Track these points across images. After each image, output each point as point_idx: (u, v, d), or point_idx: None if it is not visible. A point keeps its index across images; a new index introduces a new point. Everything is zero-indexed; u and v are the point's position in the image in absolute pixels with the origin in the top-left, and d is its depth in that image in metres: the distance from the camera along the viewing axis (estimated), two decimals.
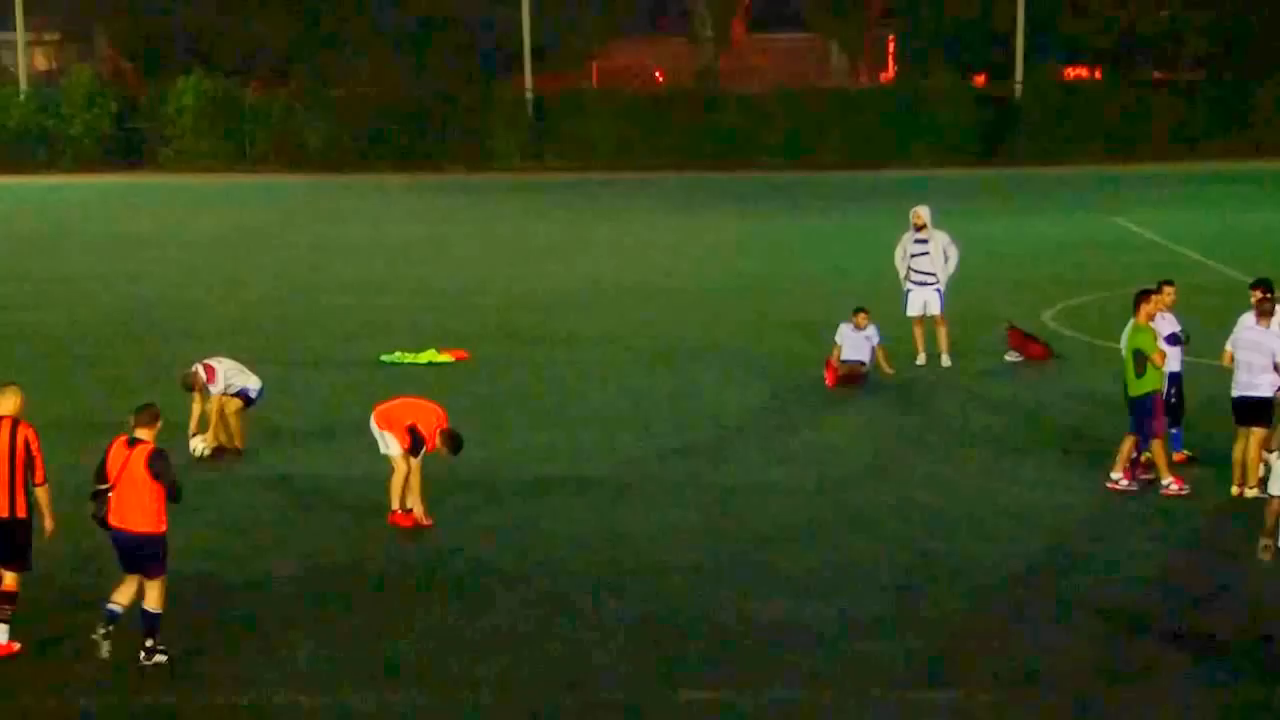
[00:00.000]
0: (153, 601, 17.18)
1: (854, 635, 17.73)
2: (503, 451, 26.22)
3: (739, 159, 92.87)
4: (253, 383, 26.33)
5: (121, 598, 17.33)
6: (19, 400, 17.83)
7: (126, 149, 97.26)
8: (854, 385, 30.57)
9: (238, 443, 25.96)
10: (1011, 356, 32.98)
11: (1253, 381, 22.49)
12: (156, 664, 17.08)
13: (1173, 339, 23.82)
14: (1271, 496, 17.50)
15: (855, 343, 30.83)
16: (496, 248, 55.91)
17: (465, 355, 34.40)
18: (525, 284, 46.23)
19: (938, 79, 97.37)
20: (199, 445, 25.67)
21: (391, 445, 21.81)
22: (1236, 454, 22.58)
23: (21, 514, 17.53)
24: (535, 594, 19.32)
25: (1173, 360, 23.84)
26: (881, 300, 33.22)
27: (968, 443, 26.54)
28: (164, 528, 17.26)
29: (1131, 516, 22.16)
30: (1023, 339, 33.35)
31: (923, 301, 32.38)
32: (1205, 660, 17.04)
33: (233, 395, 26.01)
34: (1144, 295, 23.39)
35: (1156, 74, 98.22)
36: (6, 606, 17.60)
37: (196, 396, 26.10)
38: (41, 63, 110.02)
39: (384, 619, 18.61)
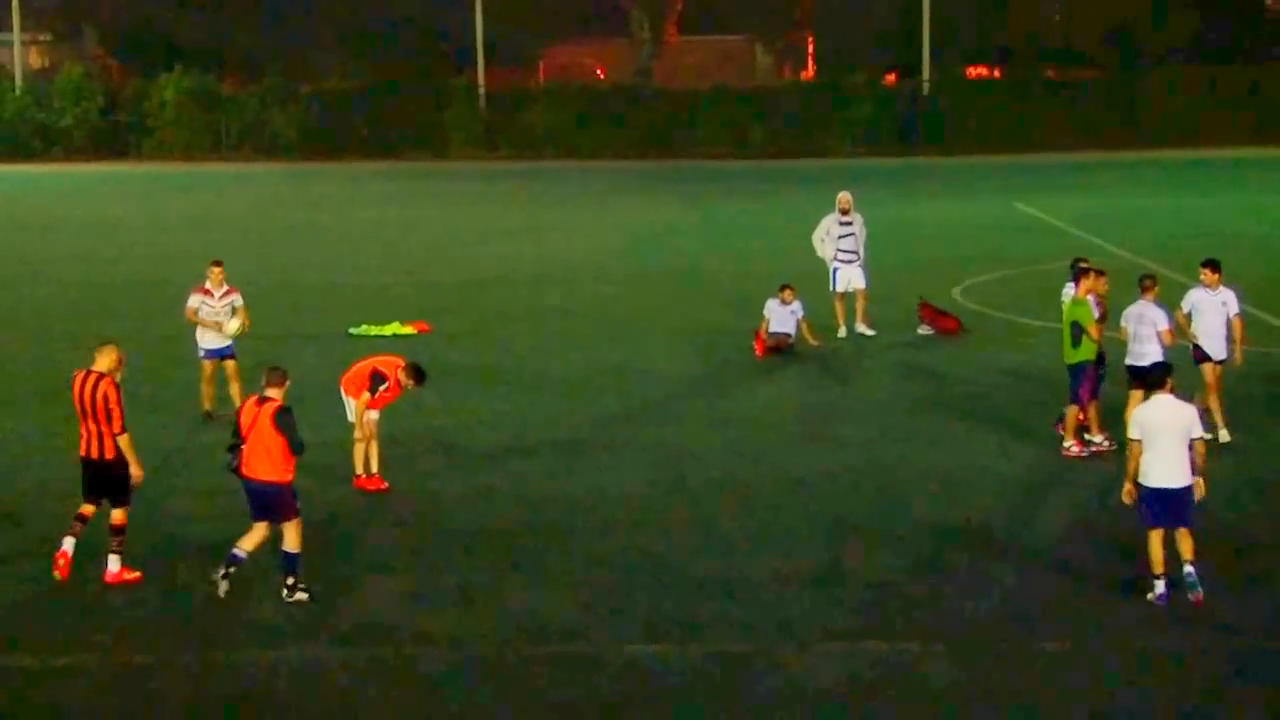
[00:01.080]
0: (290, 543, 17.31)
1: (789, 590, 17.35)
2: (462, 419, 25.88)
3: (674, 149, 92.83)
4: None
5: (247, 544, 17.42)
6: (113, 359, 18.20)
7: (112, 140, 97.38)
8: (781, 355, 30.36)
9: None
10: (924, 329, 32.77)
11: (1142, 350, 22.26)
12: (298, 600, 17.20)
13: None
14: (1131, 441, 17.12)
15: (782, 317, 30.61)
16: (454, 230, 55.63)
17: (427, 328, 34.11)
18: (482, 263, 45.93)
19: (853, 77, 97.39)
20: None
21: (353, 409, 21.40)
22: (1128, 415, 22.25)
23: (109, 456, 17.90)
24: (491, 553, 18.88)
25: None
26: (805, 278, 32.94)
27: (888, 408, 26.27)
28: (290, 477, 17.38)
29: (1048, 476, 21.84)
30: (934, 313, 33.19)
31: (848, 278, 32.34)
32: (1126, 609, 16.67)
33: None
34: (1083, 272, 23.23)
35: (1050, 72, 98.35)
36: (116, 539, 17.92)
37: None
38: (35, 61, 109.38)
39: (347, 577, 18.13)
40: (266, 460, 17.24)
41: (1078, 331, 22.41)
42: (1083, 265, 23.80)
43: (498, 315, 36.44)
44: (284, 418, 17.27)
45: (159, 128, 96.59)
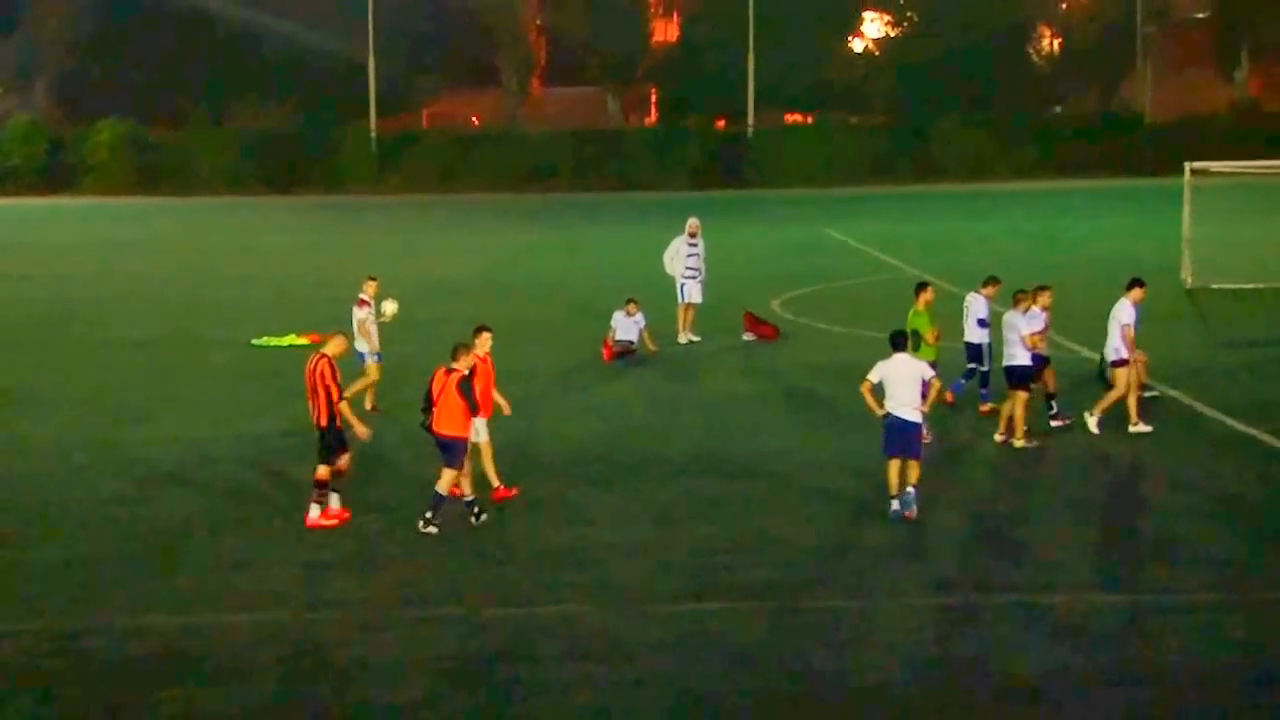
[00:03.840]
0: (441, 485, 17.96)
1: (627, 557, 17.00)
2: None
3: (538, 184, 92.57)
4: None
5: (441, 486, 17.98)
6: (340, 347, 18.86)
7: (56, 177, 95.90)
8: (626, 359, 30.11)
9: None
10: (748, 337, 32.65)
11: (1012, 353, 22.07)
12: (427, 533, 17.83)
13: (982, 323, 23.81)
14: (870, 382, 18.38)
15: (626, 326, 30.39)
16: (349, 253, 54.88)
17: (319, 338, 33.28)
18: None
19: (690, 122, 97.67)
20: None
21: (481, 431, 19.35)
22: (1004, 410, 22.20)
23: (323, 424, 18.37)
24: (380, 528, 18.36)
25: (984, 337, 23.84)
26: (647, 292, 32.72)
27: (722, 400, 26.02)
28: (468, 433, 18.11)
29: (855, 454, 21.63)
30: (756, 322, 33.11)
31: (691, 292, 32.33)
32: (906, 569, 16.51)
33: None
34: (922, 286, 23.02)
35: (854, 119, 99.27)
36: (319, 490, 18.44)
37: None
38: None
39: (260, 549, 17.55)
40: (450, 420, 17.96)
41: (917, 338, 22.21)
42: (922, 282, 23.56)
43: (384, 326, 35.74)
44: (466, 385, 17.97)
45: (96, 166, 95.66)
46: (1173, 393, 24.88)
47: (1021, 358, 21.91)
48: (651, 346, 30.61)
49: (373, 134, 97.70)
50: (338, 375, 18.45)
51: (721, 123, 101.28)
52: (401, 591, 16.08)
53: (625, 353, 30.32)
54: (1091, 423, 22.46)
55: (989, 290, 24.01)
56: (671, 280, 32.69)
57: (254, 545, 17.81)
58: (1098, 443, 22.04)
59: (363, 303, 25.57)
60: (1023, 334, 21.98)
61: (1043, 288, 23.04)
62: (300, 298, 41.39)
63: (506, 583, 16.31)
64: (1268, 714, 12.79)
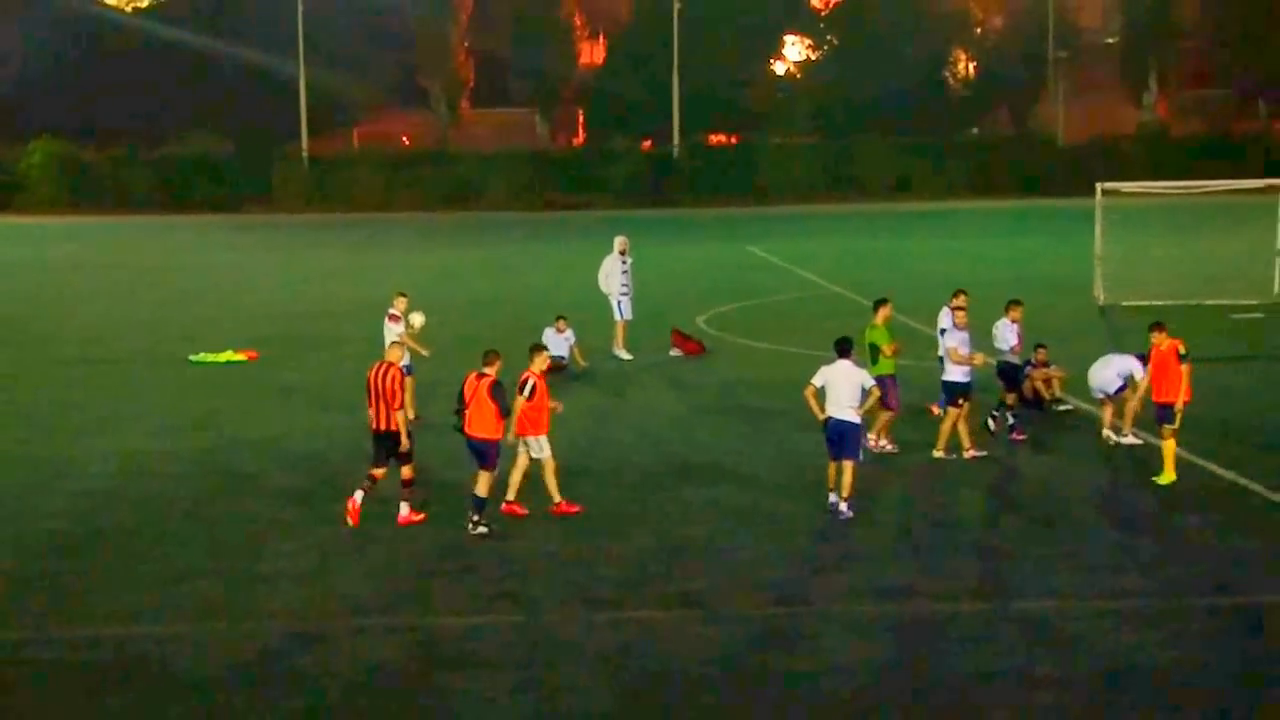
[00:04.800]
0: (480, 489, 18.37)
1: (561, 567, 17.14)
2: (283, 430, 25.26)
3: (468, 203, 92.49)
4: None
5: (480, 489, 18.40)
6: (399, 353, 19.90)
7: None
8: (557, 374, 30.19)
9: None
10: (675, 352, 32.84)
11: (950, 368, 22.26)
12: (479, 534, 18.24)
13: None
14: (812, 386, 19.11)
15: (556, 342, 30.45)
16: (282, 272, 54.75)
17: (255, 355, 33.33)
18: (305, 298, 45.26)
19: (616, 143, 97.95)
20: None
21: (545, 447, 19.29)
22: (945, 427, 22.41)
23: (392, 428, 18.71)
24: (313, 539, 18.39)
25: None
26: (577, 309, 32.85)
27: (652, 412, 26.19)
28: (499, 435, 18.50)
29: (788, 458, 21.88)
30: (682, 338, 33.30)
31: (625, 309, 32.48)
32: (838, 580, 16.76)
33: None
34: (881, 303, 22.95)
35: (776, 139, 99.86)
36: (407, 489, 18.96)
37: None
38: None
39: (202, 561, 17.51)
40: (481, 422, 18.39)
41: (875, 351, 22.37)
42: (881, 298, 23.27)
43: (319, 342, 35.83)
44: (497, 390, 18.38)
45: (30, 187, 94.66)
46: (1086, 406, 25.30)
47: (954, 374, 22.22)
48: (582, 362, 30.74)
49: (304, 154, 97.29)
50: (403, 384, 19.06)
51: (648, 143, 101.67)
52: (341, 602, 16.13)
53: (556, 368, 30.39)
54: (1127, 437, 22.89)
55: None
56: (605, 298, 32.84)
57: (197, 557, 17.79)
58: (1028, 458, 22.42)
59: (394, 317, 25.80)
60: (950, 347, 22.33)
61: (1014, 302, 23.58)
62: (236, 316, 41.20)
63: (443, 593, 16.42)
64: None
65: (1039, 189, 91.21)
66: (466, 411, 18.53)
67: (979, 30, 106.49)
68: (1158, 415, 20.86)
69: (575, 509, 19.27)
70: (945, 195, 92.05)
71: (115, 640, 15.04)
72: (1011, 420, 23.58)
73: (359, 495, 18.84)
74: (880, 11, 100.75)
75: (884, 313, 22.97)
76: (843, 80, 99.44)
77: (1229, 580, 16.44)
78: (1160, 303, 38.46)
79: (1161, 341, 20.89)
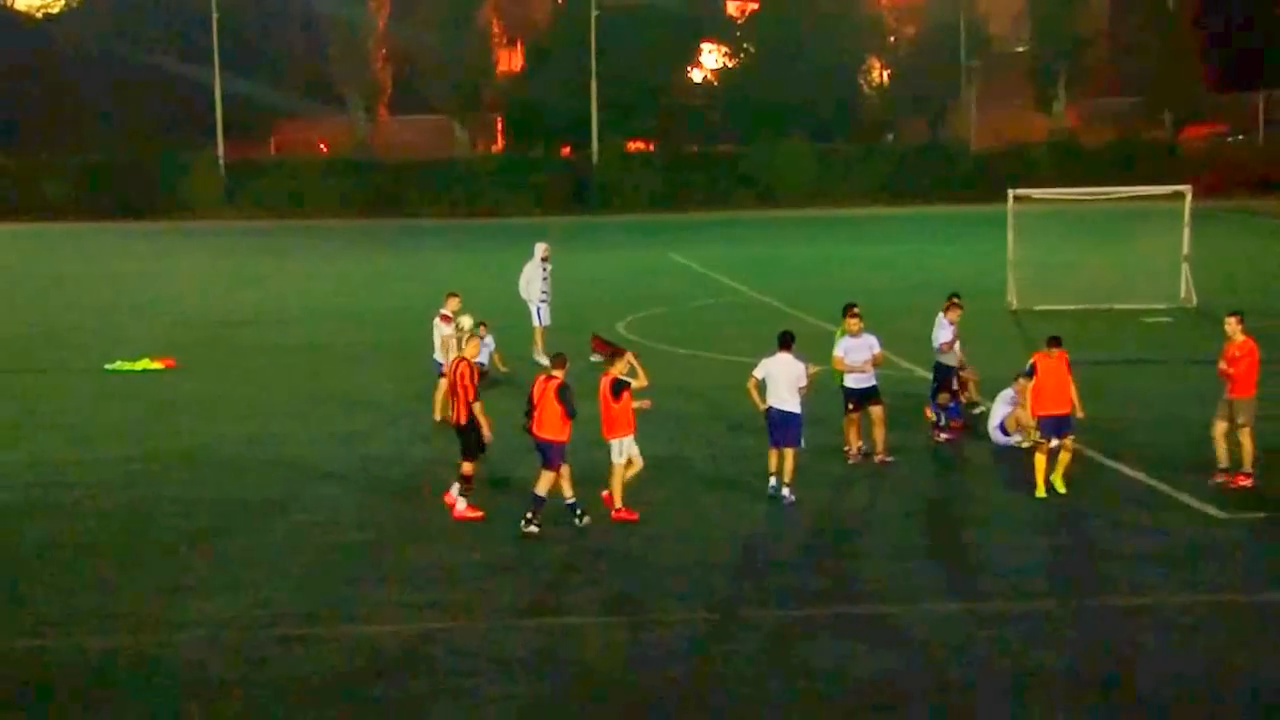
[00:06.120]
0: (540, 487, 18.77)
1: (489, 575, 17.07)
2: (208, 438, 25.01)
3: (387, 210, 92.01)
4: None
5: (540, 489, 18.78)
6: (476, 350, 20.21)
7: None
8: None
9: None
10: (595, 359, 32.72)
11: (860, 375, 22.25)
12: (528, 534, 18.51)
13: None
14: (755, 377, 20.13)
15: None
16: (198, 278, 54.16)
17: (173, 363, 32.95)
18: (223, 306, 44.81)
19: (535, 150, 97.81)
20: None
21: (627, 449, 19.54)
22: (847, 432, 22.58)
23: (463, 423, 19.44)
24: (236, 548, 18.22)
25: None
26: (497, 315, 32.73)
27: (575, 420, 26.03)
28: (565, 437, 18.88)
29: (712, 463, 21.91)
30: (603, 344, 33.23)
31: (544, 315, 32.54)
32: (765, 585, 16.81)
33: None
34: (850, 308, 22.69)
35: (694, 147, 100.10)
36: (468, 485, 19.58)
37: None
38: None
39: (118, 572, 17.29)
40: (549, 423, 18.78)
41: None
42: (850, 304, 22.92)
43: (238, 351, 35.49)
44: (564, 392, 18.80)
45: None
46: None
47: (868, 379, 22.26)
48: (502, 368, 30.64)
49: (220, 159, 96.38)
50: (476, 378, 19.59)
51: (566, 150, 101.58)
52: (262, 612, 15.98)
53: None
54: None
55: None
56: (525, 304, 32.78)
57: (112, 567, 17.58)
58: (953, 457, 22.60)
59: (445, 318, 26.05)
60: (876, 351, 22.36)
61: (953, 300, 24.20)
62: (153, 324, 40.72)
63: (371, 602, 16.30)
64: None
65: (953, 195, 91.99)
66: (535, 413, 18.96)
67: (893, 39, 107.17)
68: (1056, 428, 20.43)
69: (635, 516, 19.36)
70: (862, 202, 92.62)
71: (20, 654, 14.82)
72: (938, 418, 23.80)
73: (454, 489, 19.68)
74: (796, 20, 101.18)
75: (852, 317, 22.71)
76: (759, 87, 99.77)
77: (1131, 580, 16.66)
78: (1072, 307, 38.93)
79: (1053, 353, 20.67)
